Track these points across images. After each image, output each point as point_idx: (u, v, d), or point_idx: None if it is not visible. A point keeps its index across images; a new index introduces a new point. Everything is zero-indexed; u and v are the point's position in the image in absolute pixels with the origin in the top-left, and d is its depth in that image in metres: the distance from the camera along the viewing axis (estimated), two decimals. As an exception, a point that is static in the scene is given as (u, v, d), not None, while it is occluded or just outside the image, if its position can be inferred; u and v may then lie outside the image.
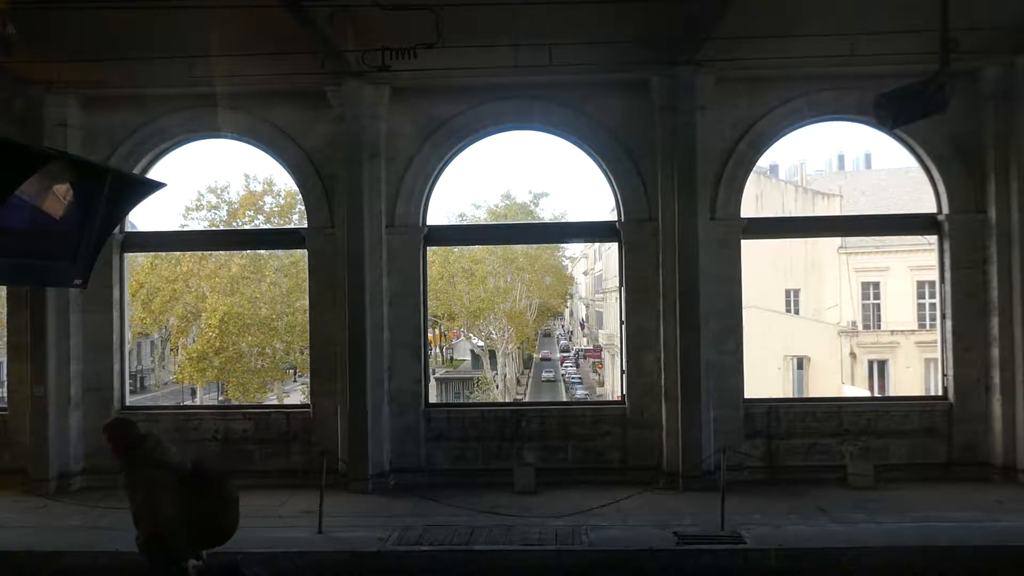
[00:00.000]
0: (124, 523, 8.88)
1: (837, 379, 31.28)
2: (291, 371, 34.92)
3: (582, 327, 68.60)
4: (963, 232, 10.63)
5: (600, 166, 11.06)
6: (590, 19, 8.91)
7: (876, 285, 34.09)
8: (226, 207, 29.08)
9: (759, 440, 10.62)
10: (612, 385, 40.04)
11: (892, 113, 7.91)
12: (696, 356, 10.19)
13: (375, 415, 10.46)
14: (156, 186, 8.72)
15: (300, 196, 11.47)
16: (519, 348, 45.05)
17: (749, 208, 12.89)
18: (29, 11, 8.10)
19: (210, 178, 59.30)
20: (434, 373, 44.59)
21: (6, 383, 11.19)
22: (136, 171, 10.82)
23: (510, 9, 8.29)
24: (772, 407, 10.82)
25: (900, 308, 33.20)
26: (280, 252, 28.35)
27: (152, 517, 5.09)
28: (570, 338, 75.39)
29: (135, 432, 5.42)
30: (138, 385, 44.78)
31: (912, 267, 32.15)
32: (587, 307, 63.50)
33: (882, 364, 32.00)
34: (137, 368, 45.35)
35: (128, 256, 11.66)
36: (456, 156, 11.25)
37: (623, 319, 10.97)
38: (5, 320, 13.01)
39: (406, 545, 8.06)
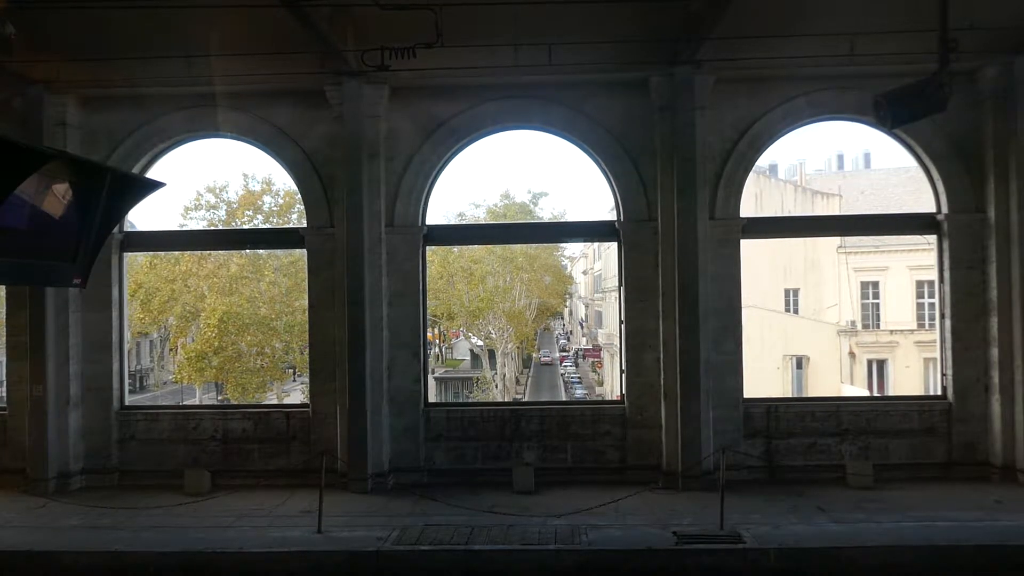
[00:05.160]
0: (124, 523, 8.95)
1: (836, 379, 31.28)
2: (290, 371, 34.91)
3: (581, 326, 68.58)
4: (962, 232, 10.64)
5: (599, 166, 11.06)
6: (590, 19, 8.91)
7: (875, 285, 34.10)
8: (225, 207, 29.06)
9: (758, 439, 10.62)
10: (611, 385, 40.05)
11: (891, 113, 7.92)
12: (695, 355, 10.20)
13: (374, 415, 10.47)
14: (155, 185, 8.74)
15: (299, 196, 11.46)
16: (518, 347, 45.04)
17: (748, 208, 12.89)
18: (29, 11, 8.10)
19: (209, 178, 59.52)
20: (433, 373, 44.61)
21: (5, 382, 11.18)
22: (135, 170, 10.82)
23: (510, 9, 8.28)
24: (771, 406, 10.83)
25: (899, 308, 33.21)
26: (279, 252, 28.35)
27: None
28: (569, 337, 75.37)
29: None
30: (137, 385, 44.78)
31: (911, 267, 32.18)
32: (586, 306, 63.48)
33: (881, 364, 32.00)
34: (136, 368, 45.35)
35: (127, 256, 11.66)
36: (455, 155, 11.25)
37: (622, 319, 10.97)
38: (4, 319, 13.00)
39: (405, 545, 8.06)
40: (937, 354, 11.27)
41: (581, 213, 60.91)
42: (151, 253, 25.02)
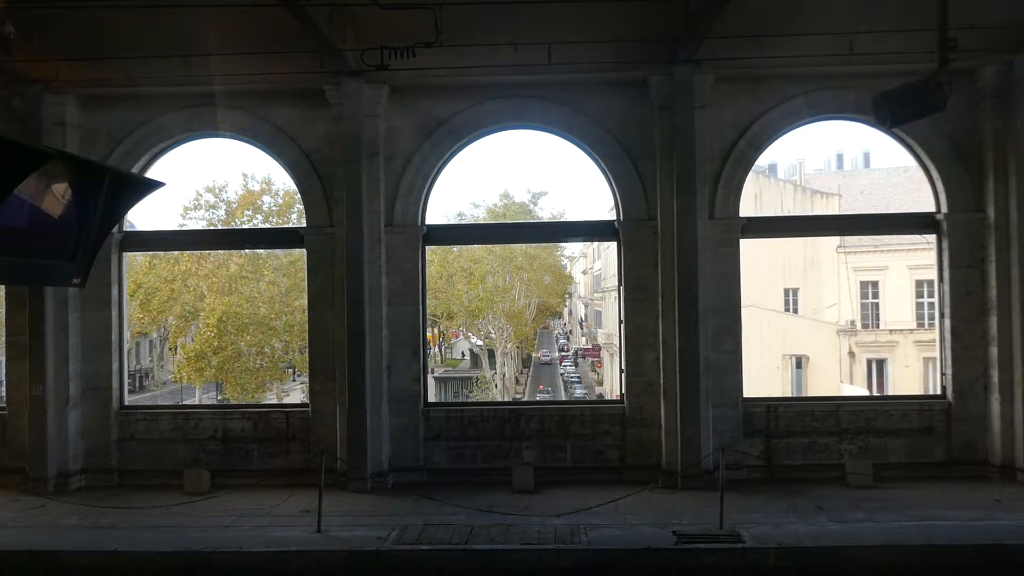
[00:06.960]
0: (124, 523, 8.95)
1: (836, 378, 31.27)
2: (290, 370, 34.89)
3: (581, 326, 68.59)
4: (962, 231, 10.64)
5: (599, 165, 11.06)
6: (589, 18, 8.92)
7: (875, 284, 34.12)
8: (224, 206, 29.03)
9: (758, 439, 10.63)
10: (611, 384, 40.04)
11: (891, 112, 7.93)
12: (695, 355, 10.20)
13: (374, 414, 10.47)
14: (155, 185, 8.72)
15: (299, 195, 11.46)
16: (518, 347, 45.04)
17: (748, 207, 12.89)
18: (29, 10, 8.10)
19: (208, 177, 59.54)
20: (433, 372, 44.61)
21: (5, 382, 11.17)
22: (135, 170, 10.81)
23: (509, 8, 8.30)
24: (771, 406, 10.83)
25: (899, 307, 33.22)
26: (279, 251, 28.34)
27: None
28: (568, 337, 75.38)
29: None
30: (137, 385, 44.78)
31: (911, 266, 32.19)
32: (586, 306, 63.50)
33: (881, 363, 32.00)
34: (136, 368, 45.35)
35: (127, 255, 11.65)
36: (455, 155, 11.25)
37: (622, 318, 10.97)
38: (3, 319, 13.00)
39: (405, 544, 8.06)
40: (936, 353, 11.28)
41: (581, 213, 61.11)
42: (150, 253, 25.02)
